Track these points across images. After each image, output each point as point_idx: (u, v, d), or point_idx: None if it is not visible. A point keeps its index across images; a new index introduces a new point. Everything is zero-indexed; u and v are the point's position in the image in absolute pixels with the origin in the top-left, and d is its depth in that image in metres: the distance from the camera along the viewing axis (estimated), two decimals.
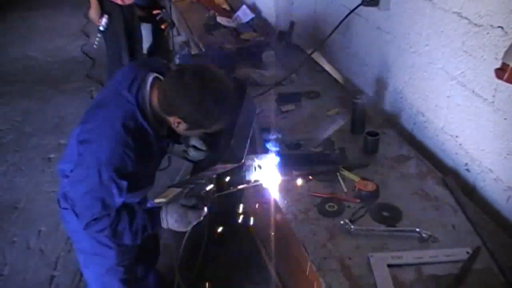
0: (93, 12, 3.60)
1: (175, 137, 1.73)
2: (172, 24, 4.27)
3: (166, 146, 1.72)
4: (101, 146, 1.41)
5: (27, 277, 2.59)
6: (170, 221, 1.55)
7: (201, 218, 1.59)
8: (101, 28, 3.66)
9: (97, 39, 3.86)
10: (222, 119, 1.46)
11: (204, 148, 1.78)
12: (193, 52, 3.93)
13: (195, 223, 1.58)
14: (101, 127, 1.43)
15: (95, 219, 1.46)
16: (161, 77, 1.51)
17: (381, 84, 2.33)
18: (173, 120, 1.45)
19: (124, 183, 1.44)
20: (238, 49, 3.07)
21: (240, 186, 1.68)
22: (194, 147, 1.78)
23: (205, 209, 1.59)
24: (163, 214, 1.56)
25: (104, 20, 3.61)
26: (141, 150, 1.45)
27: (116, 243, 1.66)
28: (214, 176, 1.69)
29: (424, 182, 1.74)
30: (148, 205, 1.68)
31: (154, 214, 1.57)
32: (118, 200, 1.46)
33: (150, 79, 1.48)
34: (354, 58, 2.61)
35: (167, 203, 1.59)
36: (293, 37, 3.10)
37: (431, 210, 1.60)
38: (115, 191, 1.43)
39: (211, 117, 1.44)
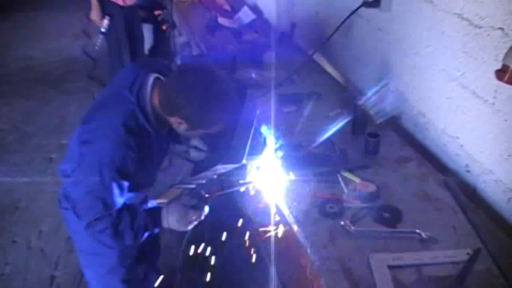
0: (94, 13, 3.61)
1: (176, 138, 1.73)
2: (173, 25, 4.27)
3: (167, 146, 1.72)
4: (102, 146, 1.41)
5: (28, 277, 2.60)
6: (171, 220, 1.55)
7: (202, 217, 1.59)
8: (103, 30, 3.66)
9: (99, 40, 3.87)
10: (223, 120, 1.47)
11: (205, 148, 1.78)
12: (194, 53, 3.93)
13: (196, 222, 1.58)
14: (102, 127, 1.43)
15: (96, 219, 1.45)
16: (162, 77, 1.51)
17: (382, 85, 2.32)
18: (174, 120, 1.46)
19: (125, 183, 1.44)
20: (240, 50, 3.08)
21: (240, 187, 1.69)
22: (195, 147, 1.79)
23: (206, 208, 1.59)
24: (164, 214, 1.56)
25: (105, 22, 3.62)
26: (142, 150, 1.45)
27: (118, 243, 1.66)
28: (215, 176, 1.69)
29: (425, 183, 1.74)
30: (149, 205, 1.68)
31: (155, 213, 1.57)
32: (119, 200, 1.47)
33: (151, 80, 1.48)
34: (355, 59, 2.61)
35: (168, 202, 1.59)
36: (294, 38, 3.10)
37: (431, 211, 1.60)
38: (116, 191, 1.43)
39: (212, 117, 1.44)
